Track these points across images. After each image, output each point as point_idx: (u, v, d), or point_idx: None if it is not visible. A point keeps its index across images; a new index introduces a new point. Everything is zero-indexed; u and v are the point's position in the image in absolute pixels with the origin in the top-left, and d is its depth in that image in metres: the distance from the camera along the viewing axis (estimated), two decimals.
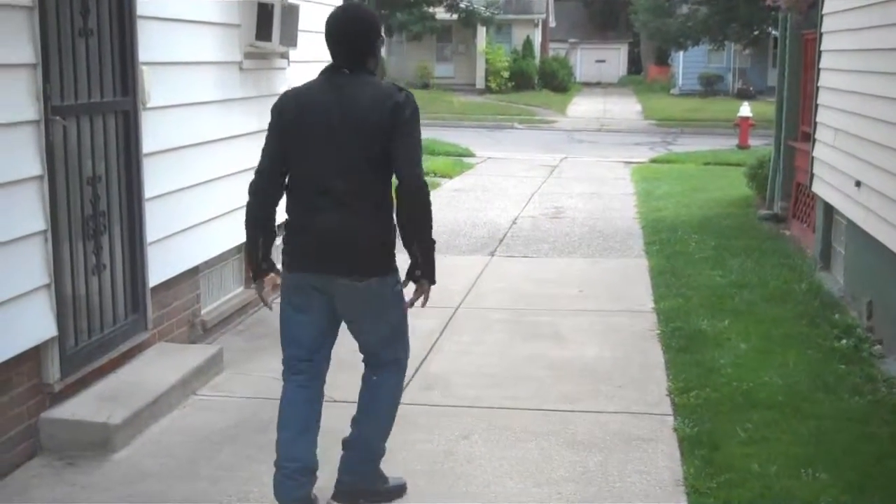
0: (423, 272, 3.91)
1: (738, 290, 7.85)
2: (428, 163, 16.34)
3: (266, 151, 3.94)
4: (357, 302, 3.90)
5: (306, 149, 3.82)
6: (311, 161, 3.82)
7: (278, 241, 4.01)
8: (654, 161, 19.09)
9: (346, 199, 3.77)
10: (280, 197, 3.98)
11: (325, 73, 3.90)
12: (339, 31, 3.86)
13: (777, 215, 11.09)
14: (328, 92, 3.83)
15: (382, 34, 4.01)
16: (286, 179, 3.93)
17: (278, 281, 4.03)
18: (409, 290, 3.97)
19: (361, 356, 4.11)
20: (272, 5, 6.62)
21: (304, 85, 3.96)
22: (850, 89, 7.57)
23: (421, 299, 3.96)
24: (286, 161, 3.90)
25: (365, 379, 4.13)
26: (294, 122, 3.84)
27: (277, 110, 3.92)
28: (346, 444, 4.12)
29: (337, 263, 3.81)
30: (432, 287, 3.95)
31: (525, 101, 36.66)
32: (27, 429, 4.56)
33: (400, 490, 4.23)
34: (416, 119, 3.80)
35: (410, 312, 4.03)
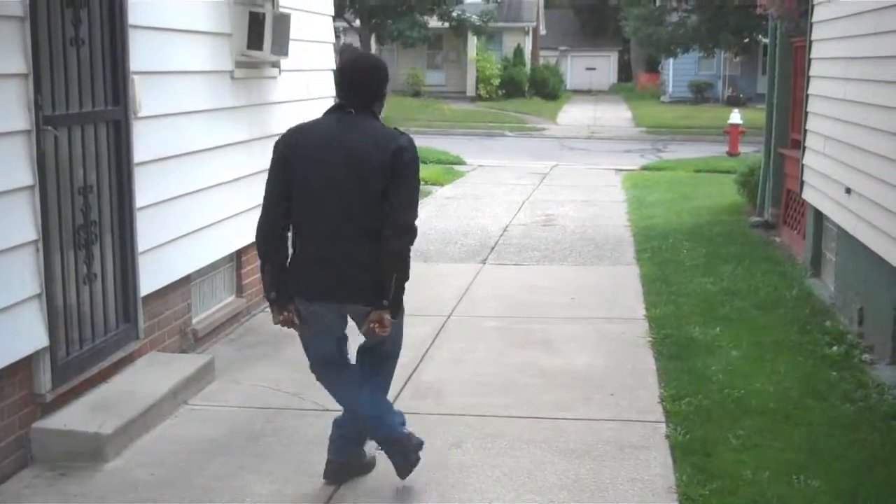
0: (391, 303, 3.98)
1: (730, 297, 7.87)
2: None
3: (271, 185, 4.06)
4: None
5: (310, 187, 3.96)
6: (315, 199, 3.96)
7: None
8: (644, 168, 19.14)
9: (349, 237, 3.94)
10: (285, 226, 4.07)
11: (331, 112, 4.07)
12: (350, 73, 4.05)
13: (767, 222, 11.13)
14: (333, 131, 3.98)
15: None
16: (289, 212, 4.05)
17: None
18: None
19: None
20: (263, 14, 6.62)
21: (310, 122, 4.12)
22: (840, 97, 7.60)
23: (377, 327, 3.98)
24: (289, 195, 4.01)
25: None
26: (299, 158, 3.98)
27: (283, 144, 4.05)
28: (337, 423, 4.41)
29: (346, 293, 4.02)
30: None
31: (516, 108, 36.71)
32: (19, 439, 4.55)
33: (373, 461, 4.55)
34: (416, 164, 4.00)
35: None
